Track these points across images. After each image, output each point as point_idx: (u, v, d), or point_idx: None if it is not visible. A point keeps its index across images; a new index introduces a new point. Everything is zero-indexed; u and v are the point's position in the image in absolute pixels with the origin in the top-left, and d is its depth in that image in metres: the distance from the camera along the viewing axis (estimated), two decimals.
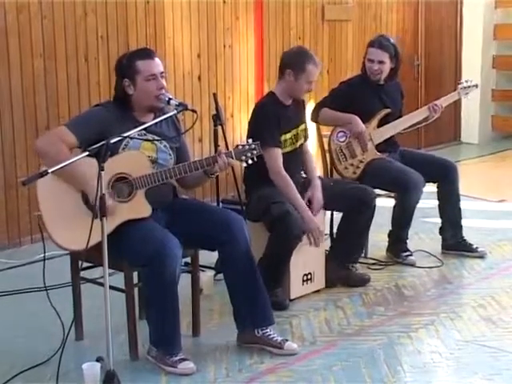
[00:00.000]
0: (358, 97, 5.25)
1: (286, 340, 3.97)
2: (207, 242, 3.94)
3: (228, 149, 4.86)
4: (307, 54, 4.60)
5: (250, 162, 3.87)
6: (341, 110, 5.21)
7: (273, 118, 4.51)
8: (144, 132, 3.78)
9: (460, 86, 5.65)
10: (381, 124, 5.32)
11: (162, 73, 3.85)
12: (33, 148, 3.94)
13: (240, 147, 3.86)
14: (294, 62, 4.54)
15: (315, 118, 5.29)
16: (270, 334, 3.95)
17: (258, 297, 3.94)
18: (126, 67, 3.84)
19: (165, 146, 3.93)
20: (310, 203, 4.59)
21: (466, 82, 5.69)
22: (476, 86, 5.71)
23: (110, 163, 3.51)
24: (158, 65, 3.85)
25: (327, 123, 5.38)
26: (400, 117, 5.45)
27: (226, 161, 3.81)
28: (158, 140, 3.87)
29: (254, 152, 3.86)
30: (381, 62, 5.23)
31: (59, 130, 3.79)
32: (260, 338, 3.95)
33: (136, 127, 3.64)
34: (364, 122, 5.22)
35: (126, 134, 3.53)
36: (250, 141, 3.88)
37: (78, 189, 3.66)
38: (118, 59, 3.93)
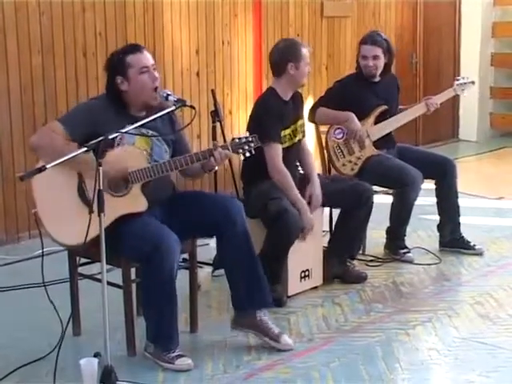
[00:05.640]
0: (353, 95, 5.25)
1: (282, 333, 3.96)
2: (205, 227, 3.93)
3: None
4: (295, 42, 4.73)
5: (247, 154, 3.87)
6: (337, 109, 5.21)
7: (275, 114, 4.53)
8: (139, 128, 3.76)
9: (456, 82, 5.64)
10: (378, 120, 5.32)
11: (153, 65, 3.86)
12: (28, 146, 3.93)
13: (237, 140, 3.85)
14: (290, 54, 4.57)
15: (312, 117, 5.29)
16: (268, 324, 3.95)
17: (256, 277, 3.93)
18: (116, 64, 3.84)
19: (158, 140, 3.91)
20: (309, 200, 4.59)
21: (463, 78, 5.68)
22: (473, 82, 5.69)
23: (105, 158, 3.52)
24: (148, 57, 3.85)
25: (324, 122, 5.37)
26: (400, 110, 5.45)
27: (223, 154, 3.80)
28: (155, 136, 3.86)
29: (252, 145, 3.85)
30: (375, 58, 5.22)
31: (52, 125, 3.80)
32: (258, 323, 3.92)
33: (131, 122, 3.63)
34: (361, 120, 5.22)
35: (123, 130, 3.52)
36: (247, 133, 3.87)
37: (84, 171, 3.64)
38: (108, 58, 3.94)
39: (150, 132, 3.86)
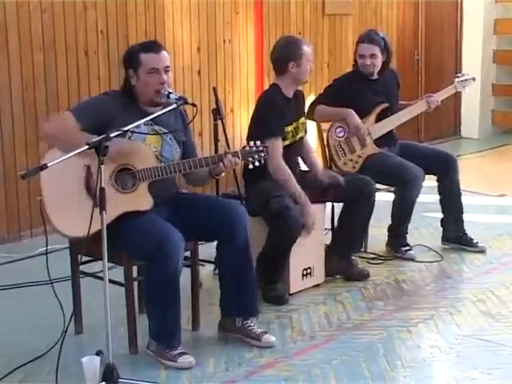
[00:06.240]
0: (351, 93, 5.25)
1: (266, 332, 3.98)
2: (207, 231, 3.93)
3: (228, 143, 4.89)
4: (296, 40, 4.72)
5: (256, 163, 3.87)
6: (336, 107, 5.21)
7: (279, 110, 4.54)
8: (150, 122, 3.78)
9: (457, 79, 5.64)
10: (379, 118, 5.32)
11: (166, 67, 3.84)
12: (41, 133, 3.95)
13: (247, 148, 3.86)
14: (291, 52, 4.58)
15: (311, 115, 5.28)
16: (249, 326, 3.97)
17: (248, 289, 3.96)
18: (131, 58, 3.86)
19: (170, 139, 3.92)
20: (334, 187, 4.69)
21: (463, 75, 5.69)
22: (473, 78, 5.70)
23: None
24: (162, 59, 3.83)
25: (323, 120, 5.37)
26: (401, 107, 5.44)
27: (233, 161, 3.82)
28: (164, 133, 3.86)
29: (262, 154, 3.86)
30: (372, 56, 5.22)
31: (63, 115, 3.81)
32: (240, 328, 3.97)
33: (140, 117, 3.63)
34: (362, 118, 5.22)
35: (125, 128, 3.51)
36: (258, 143, 3.87)
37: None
38: (127, 50, 3.97)
39: (162, 129, 3.87)
